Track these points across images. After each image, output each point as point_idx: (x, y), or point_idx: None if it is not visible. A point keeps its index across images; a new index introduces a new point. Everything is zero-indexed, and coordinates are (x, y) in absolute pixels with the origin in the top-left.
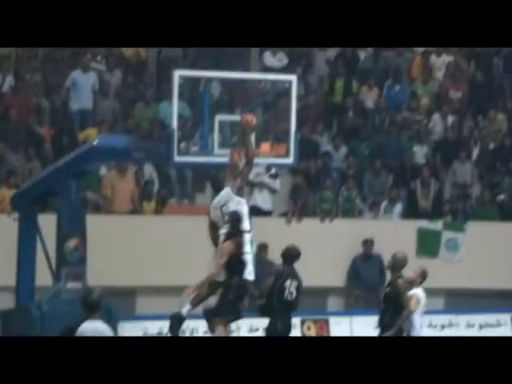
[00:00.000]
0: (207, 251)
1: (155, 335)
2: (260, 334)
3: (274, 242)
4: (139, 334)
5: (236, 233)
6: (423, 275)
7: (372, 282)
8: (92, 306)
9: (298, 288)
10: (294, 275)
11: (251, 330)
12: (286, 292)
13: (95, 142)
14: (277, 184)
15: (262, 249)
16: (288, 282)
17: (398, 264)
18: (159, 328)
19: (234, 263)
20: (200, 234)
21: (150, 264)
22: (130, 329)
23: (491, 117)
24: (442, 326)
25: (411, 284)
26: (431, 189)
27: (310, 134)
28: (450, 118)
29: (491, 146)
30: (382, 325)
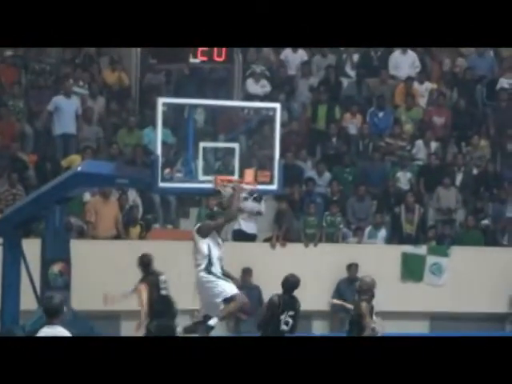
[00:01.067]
0: (191, 275)
1: None
2: None
3: (259, 266)
4: None
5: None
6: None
7: None
8: (53, 311)
9: (294, 316)
10: (292, 304)
11: None
12: (282, 324)
13: (79, 168)
14: (262, 206)
15: (246, 273)
16: (283, 315)
17: (364, 287)
18: None
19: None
20: (184, 259)
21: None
22: None
23: (474, 143)
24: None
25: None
26: (415, 214)
27: (293, 160)
28: (434, 144)
29: (475, 171)
30: None
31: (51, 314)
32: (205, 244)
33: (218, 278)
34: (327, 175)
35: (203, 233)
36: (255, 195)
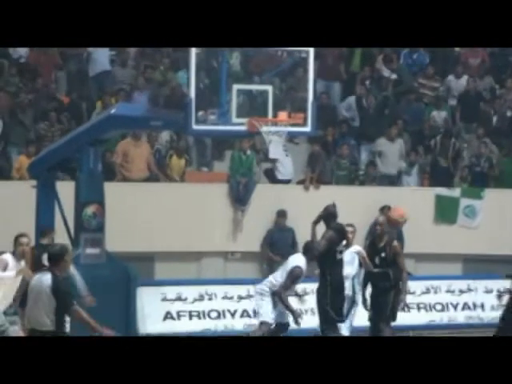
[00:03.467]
0: (224, 218)
1: (174, 299)
2: (234, 301)
3: (292, 208)
4: (158, 298)
5: None
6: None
7: None
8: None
9: (347, 246)
10: (343, 233)
11: (225, 297)
12: (338, 254)
13: (113, 111)
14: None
15: (280, 215)
16: (339, 246)
17: (386, 226)
18: (177, 293)
19: None
20: (217, 201)
21: (168, 230)
22: (148, 293)
23: (509, 86)
24: (461, 291)
25: None
26: (450, 148)
27: (327, 102)
28: (465, 78)
29: (509, 113)
30: None
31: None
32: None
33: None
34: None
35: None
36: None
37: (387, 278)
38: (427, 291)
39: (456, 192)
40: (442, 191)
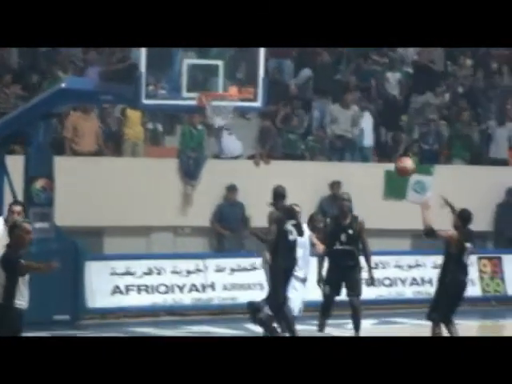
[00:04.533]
0: (174, 193)
1: (123, 273)
2: (227, 273)
3: (243, 183)
4: (107, 273)
5: None
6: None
7: None
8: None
9: (297, 225)
10: (290, 214)
11: (174, 272)
12: (288, 234)
13: (63, 85)
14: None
15: (231, 190)
16: (287, 225)
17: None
18: (126, 267)
19: None
20: (167, 176)
21: (117, 205)
22: (97, 268)
23: (461, 62)
24: (409, 266)
25: None
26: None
27: (279, 78)
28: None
29: (460, 89)
30: None
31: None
32: None
33: None
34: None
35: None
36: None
37: (353, 255)
38: (376, 266)
39: None
40: (392, 167)
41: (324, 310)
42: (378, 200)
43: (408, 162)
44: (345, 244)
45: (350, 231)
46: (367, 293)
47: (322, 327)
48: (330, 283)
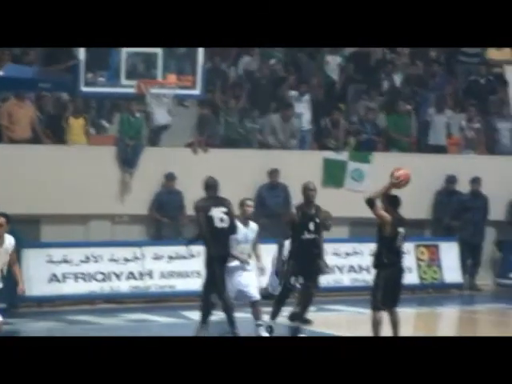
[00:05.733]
0: (112, 181)
1: (60, 261)
2: (164, 261)
3: (181, 171)
4: (43, 261)
5: None
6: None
7: (277, 211)
8: None
9: (228, 213)
10: (220, 202)
11: (112, 260)
12: (216, 220)
13: (1, 72)
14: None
15: (169, 178)
16: (213, 211)
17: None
18: (63, 255)
19: None
20: (105, 164)
21: (54, 192)
22: (34, 256)
23: (399, 51)
24: (347, 254)
25: None
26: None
27: (218, 65)
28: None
29: (399, 77)
30: None
31: None
32: None
33: None
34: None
35: None
36: None
37: (318, 244)
38: None
39: (344, 156)
40: (330, 155)
41: (282, 298)
42: (317, 187)
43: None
44: (312, 233)
45: (317, 220)
46: None
47: (275, 315)
48: (297, 272)
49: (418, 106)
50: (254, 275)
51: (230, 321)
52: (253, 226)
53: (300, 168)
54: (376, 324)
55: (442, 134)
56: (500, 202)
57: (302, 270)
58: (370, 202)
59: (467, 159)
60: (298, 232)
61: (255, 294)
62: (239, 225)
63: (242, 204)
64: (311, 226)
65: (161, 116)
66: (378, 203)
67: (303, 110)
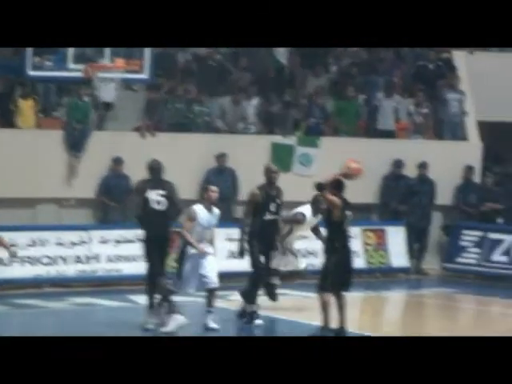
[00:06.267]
0: (59, 164)
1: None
2: (111, 245)
3: (128, 155)
4: None
5: None
6: None
7: (224, 195)
8: None
9: (168, 197)
10: (161, 185)
11: (59, 244)
12: (152, 203)
13: None
14: None
15: (116, 162)
16: (151, 194)
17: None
18: (9, 239)
19: None
20: (52, 148)
21: (1, 176)
22: None
23: None
24: None
25: None
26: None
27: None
28: None
29: (347, 61)
30: None
31: None
32: None
33: None
34: None
35: None
36: None
37: (278, 225)
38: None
39: (291, 140)
40: (278, 139)
41: (256, 280)
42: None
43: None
44: (273, 214)
45: (278, 201)
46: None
47: (252, 299)
48: (260, 252)
49: (367, 90)
50: (215, 261)
51: (167, 305)
52: (216, 211)
53: (248, 152)
54: (325, 306)
55: (390, 119)
56: (447, 186)
57: (263, 251)
58: (320, 187)
59: (415, 144)
60: (260, 213)
61: (214, 281)
62: (203, 210)
63: (206, 190)
64: (272, 207)
65: (106, 93)
66: None
67: (253, 94)
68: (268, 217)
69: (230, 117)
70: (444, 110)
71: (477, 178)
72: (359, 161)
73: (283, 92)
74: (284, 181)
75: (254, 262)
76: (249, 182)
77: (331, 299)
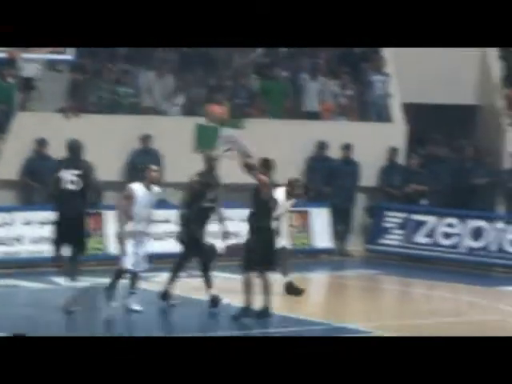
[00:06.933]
0: None
1: None
2: (35, 227)
3: (53, 137)
4: None
5: None
6: None
7: None
8: None
9: (82, 176)
10: (76, 164)
11: (26, 223)
12: (65, 182)
13: None
14: None
15: (41, 144)
16: (65, 173)
17: None
18: None
19: None
20: None
21: None
22: None
23: None
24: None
25: None
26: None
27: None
28: None
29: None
30: None
31: None
32: None
33: None
34: None
35: None
36: None
37: (215, 211)
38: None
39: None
40: (203, 120)
41: (205, 264)
42: (189, 153)
43: (217, 109)
44: (212, 201)
45: (217, 189)
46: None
47: (208, 283)
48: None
49: (293, 72)
50: (146, 243)
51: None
52: (156, 190)
53: (172, 133)
54: (248, 287)
55: (315, 101)
56: (371, 168)
57: (200, 237)
58: (250, 166)
59: (339, 125)
60: (198, 200)
61: (142, 265)
62: (142, 189)
63: (147, 169)
64: (211, 194)
65: (30, 72)
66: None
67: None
68: (206, 204)
69: (156, 93)
70: (369, 91)
71: (401, 159)
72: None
73: (208, 73)
74: None
75: (197, 246)
76: (173, 164)
77: (255, 280)
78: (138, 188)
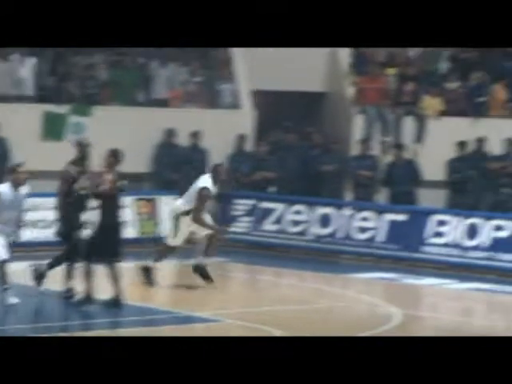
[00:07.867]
0: None
1: None
2: None
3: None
4: None
5: None
6: None
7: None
8: None
9: None
10: None
11: None
12: None
13: None
14: None
15: None
16: None
17: None
18: None
19: None
20: None
21: None
22: None
23: None
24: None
25: None
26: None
27: None
28: None
29: None
30: None
31: None
32: None
33: None
34: None
35: None
36: None
37: (89, 199)
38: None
39: (64, 109)
40: (50, 108)
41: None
42: (38, 141)
43: None
44: (86, 189)
45: (89, 175)
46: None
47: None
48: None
49: (143, 59)
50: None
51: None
52: (24, 192)
53: (20, 121)
54: (88, 276)
55: (164, 88)
56: (220, 155)
57: (77, 225)
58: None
59: (188, 113)
60: (73, 188)
61: (3, 254)
62: (8, 190)
63: (14, 170)
64: (84, 182)
65: None
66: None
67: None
68: (80, 192)
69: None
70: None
71: (249, 146)
72: None
73: (59, 61)
74: (57, 150)
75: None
76: (21, 151)
77: (95, 269)
78: (2, 188)
